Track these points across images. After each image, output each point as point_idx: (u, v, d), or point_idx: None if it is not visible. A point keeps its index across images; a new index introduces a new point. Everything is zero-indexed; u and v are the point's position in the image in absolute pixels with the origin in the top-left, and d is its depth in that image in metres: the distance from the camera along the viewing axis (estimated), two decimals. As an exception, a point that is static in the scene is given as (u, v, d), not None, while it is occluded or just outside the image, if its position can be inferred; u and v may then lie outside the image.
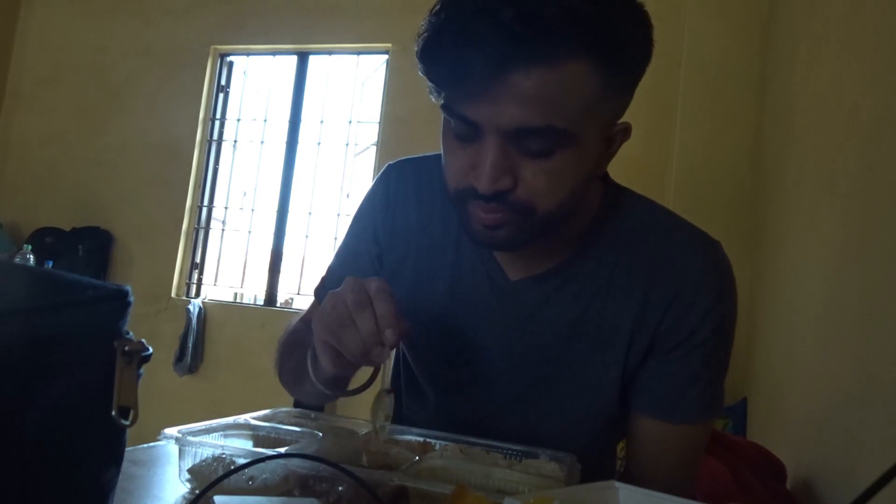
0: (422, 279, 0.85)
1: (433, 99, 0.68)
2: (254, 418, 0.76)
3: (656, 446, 0.83)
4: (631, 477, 0.84)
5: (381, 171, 0.91)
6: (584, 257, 0.80)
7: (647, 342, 0.78)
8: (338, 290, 0.67)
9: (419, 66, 0.65)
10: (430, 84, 0.66)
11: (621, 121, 0.72)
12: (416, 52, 0.65)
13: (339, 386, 0.76)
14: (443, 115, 0.69)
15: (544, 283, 0.80)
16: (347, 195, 3.49)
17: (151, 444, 0.73)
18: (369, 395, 0.73)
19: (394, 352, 0.68)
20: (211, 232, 3.72)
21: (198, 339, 3.37)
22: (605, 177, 0.83)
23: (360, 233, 0.91)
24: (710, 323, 0.78)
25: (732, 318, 0.82)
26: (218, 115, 3.75)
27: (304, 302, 3.51)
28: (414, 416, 0.94)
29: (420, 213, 0.86)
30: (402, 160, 0.91)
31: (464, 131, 0.67)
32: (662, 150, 2.76)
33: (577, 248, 0.80)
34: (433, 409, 0.90)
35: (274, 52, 3.72)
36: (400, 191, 0.88)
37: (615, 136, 0.72)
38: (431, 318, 0.84)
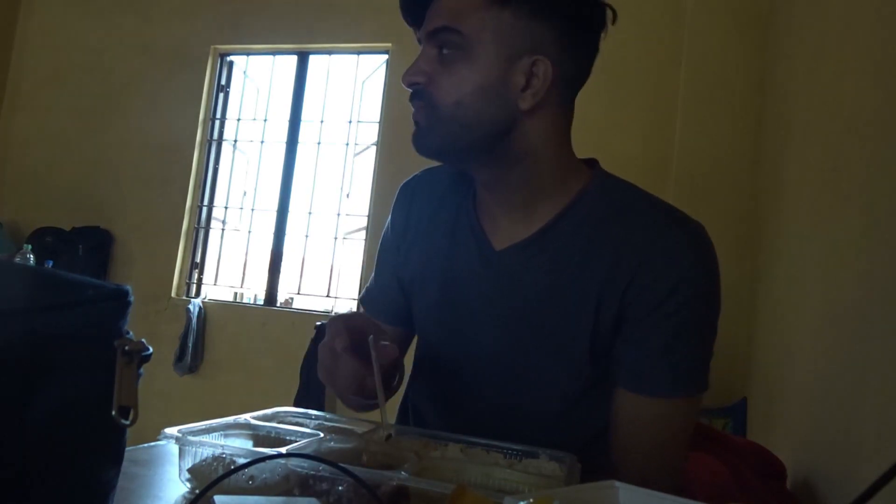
0: (425, 259, 0.95)
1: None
2: (254, 418, 0.76)
3: (630, 421, 0.83)
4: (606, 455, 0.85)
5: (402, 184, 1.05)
6: (563, 227, 0.86)
7: (616, 309, 0.81)
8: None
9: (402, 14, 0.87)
10: (410, 27, 0.87)
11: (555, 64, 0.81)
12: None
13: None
14: None
15: (525, 250, 0.86)
16: (347, 195, 3.49)
17: (152, 443, 0.73)
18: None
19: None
20: (211, 232, 3.72)
21: (198, 339, 3.37)
22: (595, 165, 0.91)
23: (385, 237, 1.04)
24: (680, 294, 0.79)
25: (709, 293, 0.82)
26: (218, 115, 3.75)
27: (304, 302, 3.51)
28: (415, 383, 1.02)
29: (431, 202, 0.97)
30: (419, 171, 1.04)
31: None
32: (662, 150, 2.76)
33: (556, 217, 0.86)
34: (427, 369, 0.98)
35: (274, 52, 3.72)
36: (416, 189, 1.00)
37: (533, 68, 0.80)
38: (432, 290, 0.94)
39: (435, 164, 0.96)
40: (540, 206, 0.86)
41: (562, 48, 0.81)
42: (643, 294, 0.80)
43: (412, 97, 0.84)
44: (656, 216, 0.84)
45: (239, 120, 3.77)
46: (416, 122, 0.85)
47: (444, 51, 0.81)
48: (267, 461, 0.58)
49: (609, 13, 0.84)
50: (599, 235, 0.83)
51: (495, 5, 0.79)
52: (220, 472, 0.59)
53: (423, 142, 0.84)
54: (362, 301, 1.07)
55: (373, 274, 1.06)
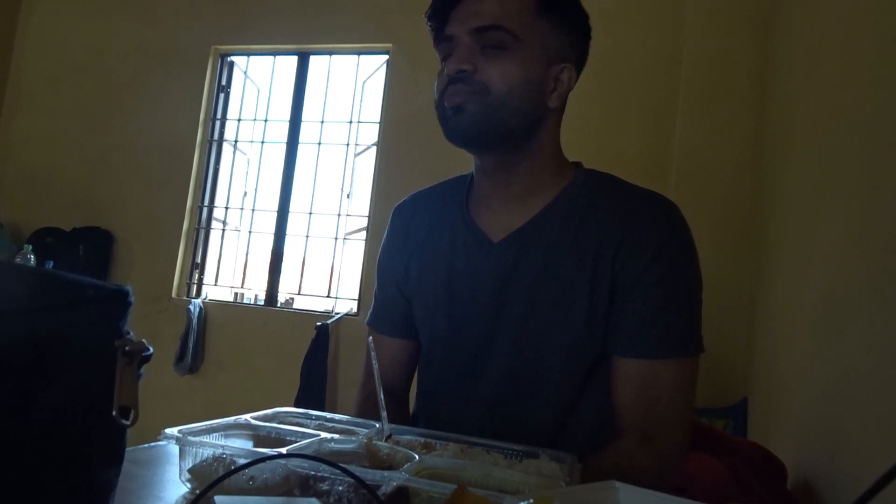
0: (427, 265, 1.03)
1: (436, 52, 0.95)
2: (254, 418, 0.76)
3: (627, 385, 0.88)
4: (608, 424, 0.89)
5: (394, 208, 1.12)
6: (555, 213, 0.95)
7: (608, 282, 0.89)
8: None
9: (427, 23, 0.94)
10: (430, 33, 0.94)
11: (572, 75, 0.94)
12: (427, 13, 0.94)
13: None
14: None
15: (522, 237, 0.95)
16: (348, 195, 3.49)
17: (152, 443, 0.73)
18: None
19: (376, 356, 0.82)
20: (211, 232, 3.72)
21: (198, 339, 3.37)
22: (579, 164, 1.01)
23: (383, 256, 1.11)
24: (663, 261, 0.87)
25: (689, 260, 0.91)
26: (218, 115, 3.75)
27: (304, 302, 3.51)
28: (422, 374, 1.07)
29: (427, 217, 1.06)
30: (409, 195, 1.12)
31: (446, 49, 0.92)
32: (663, 150, 2.75)
33: (548, 205, 0.95)
34: (436, 361, 1.02)
35: (274, 52, 3.71)
36: (414, 208, 1.09)
37: (560, 74, 0.92)
38: (435, 290, 1.00)
39: (420, 175, 1.01)
40: (534, 197, 0.96)
41: (579, 59, 0.95)
42: (629, 263, 0.88)
43: (452, 82, 0.89)
44: (636, 196, 0.94)
45: (239, 120, 3.77)
46: (459, 107, 0.88)
47: (489, 47, 0.89)
48: (267, 461, 0.58)
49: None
50: (588, 217, 0.93)
51: (540, 15, 0.90)
52: (221, 472, 0.59)
53: (467, 124, 0.89)
54: (369, 324, 1.11)
55: (375, 295, 1.12)
